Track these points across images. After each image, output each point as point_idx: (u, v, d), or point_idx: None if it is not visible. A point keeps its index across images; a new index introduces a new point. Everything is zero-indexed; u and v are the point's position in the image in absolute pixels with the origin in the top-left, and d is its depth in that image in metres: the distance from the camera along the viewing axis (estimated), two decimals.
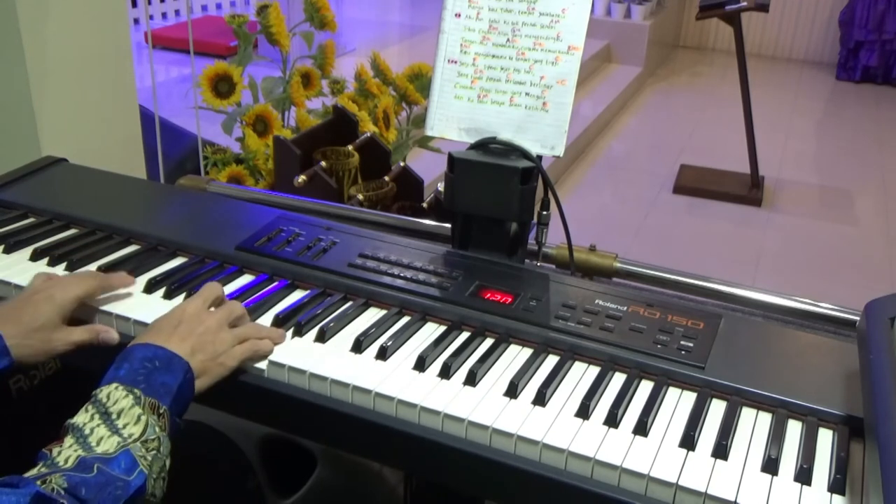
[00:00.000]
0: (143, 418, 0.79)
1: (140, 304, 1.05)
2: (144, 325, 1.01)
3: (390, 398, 0.90)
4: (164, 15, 5.67)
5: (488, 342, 1.01)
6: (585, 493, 0.82)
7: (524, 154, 1.14)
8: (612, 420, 0.87)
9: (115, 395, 0.80)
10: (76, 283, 1.00)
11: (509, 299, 1.05)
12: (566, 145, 1.15)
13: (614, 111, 5.16)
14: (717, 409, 0.91)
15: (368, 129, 2.33)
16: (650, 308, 1.05)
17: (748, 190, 4.09)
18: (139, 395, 0.81)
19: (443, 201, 1.24)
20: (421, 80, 2.57)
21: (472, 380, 0.93)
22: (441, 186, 1.60)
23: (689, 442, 0.85)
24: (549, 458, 0.84)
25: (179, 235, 1.20)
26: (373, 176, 2.13)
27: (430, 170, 2.69)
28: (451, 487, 0.94)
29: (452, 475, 0.90)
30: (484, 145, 1.17)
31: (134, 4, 4.72)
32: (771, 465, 0.82)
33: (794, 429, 0.89)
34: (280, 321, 1.02)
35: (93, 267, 1.13)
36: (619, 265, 1.27)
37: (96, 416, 0.78)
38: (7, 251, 1.17)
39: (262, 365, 0.96)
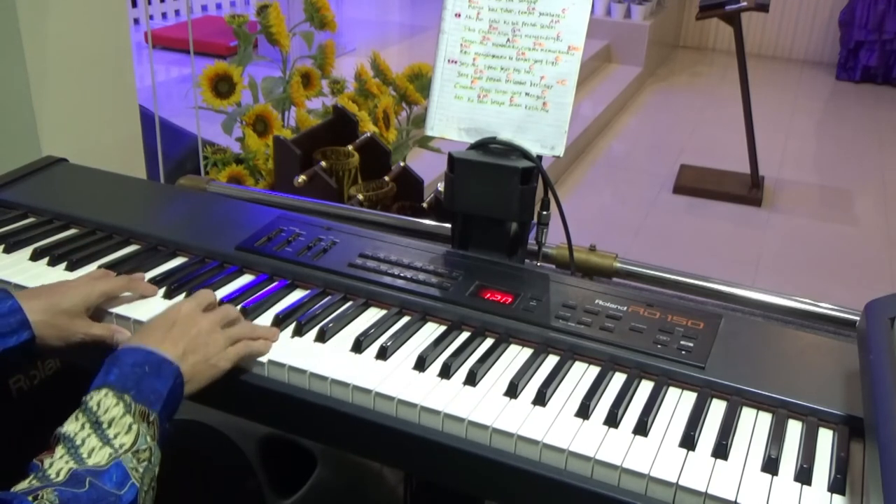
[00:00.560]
0: (135, 427, 0.78)
1: (140, 304, 1.05)
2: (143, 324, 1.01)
3: (390, 398, 0.90)
4: (164, 15, 5.67)
5: (488, 342, 1.01)
6: (585, 493, 0.82)
7: (524, 154, 1.14)
8: (613, 420, 0.87)
9: (105, 402, 0.79)
10: (105, 279, 1.04)
11: (509, 299, 1.05)
12: (566, 145, 1.15)
13: (614, 111, 5.16)
14: (717, 409, 0.91)
15: (368, 129, 2.33)
16: (650, 308, 1.05)
17: (748, 190, 4.09)
18: (129, 401, 0.80)
19: (443, 201, 1.24)
20: (421, 80, 2.57)
21: (472, 380, 0.93)
22: (441, 186, 1.60)
23: (689, 442, 0.85)
24: (549, 457, 0.84)
25: (179, 235, 1.20)
26: (373, 176, 2.13)
27: (430, 170, 2.69)
28: (451, 487, 0.94)
29: (452, 475, 0.90)
30: (484, 145, 1.17)
31: (134, 4, 4.72)
32: (771, 465, 0.82)
33: (794, 429, 0.89)
34: (280, 321, 1.02)
35: (93, 267, 1.13)
36: (619, 265, 1.26)
37: (87, 426, 0.77)
38: (7, 251, 1.17)
39: (263, 365, 0.96)
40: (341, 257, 1.14)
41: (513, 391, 0.91)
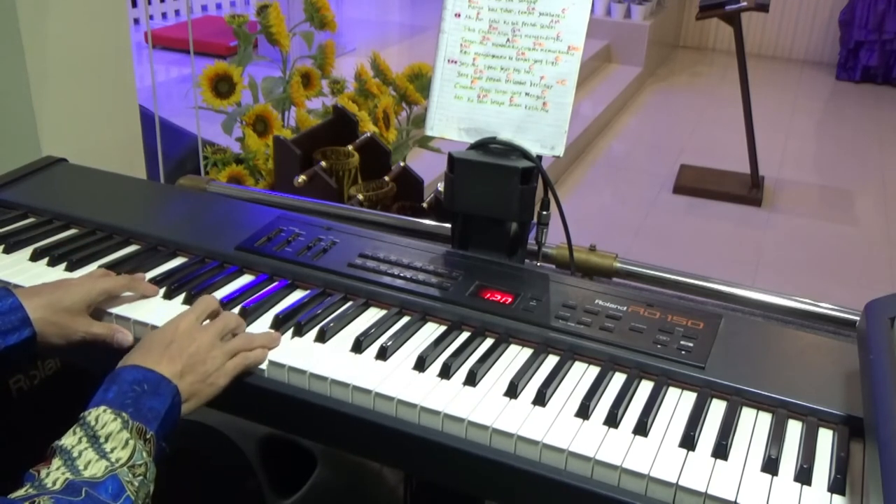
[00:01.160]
0: (131, 443, 0.79)
1: (140, 305, 1.05)
2: (143, 325, 1.01)
3: (390, 398, 0.90)
4: (164, 15, 5.67)
5: (488, 342, 1.01)
6: (585, 493, 0.82)
7: (524, 154, 1.14)
8: (612, 420, 0.87)
9: (103, 418, 0.79)
10: (105, 278, 1.04)
11: (509, 299, 1.05)
12: (566, 145, 1.15)
13: (614, 111, 5.16)
14: (717, 409, 0.91)
15: (368, 129, 2.33)
16: (650, 308, 1.05)
17: (748, 190, 4.09)
18: (127, 419, 0.80)
19: (443, 201, 1.24)
20: (421, 80, 2.57)
21: (472, 380, 0.93)
22: (441, 186, 1.60)
23: (689, 442, 0.85)
24: (549, 458, 0.84)
25: (179, 235, 1.20)
26: (373, 176, 2.13)
27: (430, 170, 2.69)
28: (451, 487, 0.94)
29: (452, 475, 0.90)
30: (484, 145, 1.17)
31: (134, 4, 4.72)
32: (771, 465, 0.82)
33: (794, 429, 0.89)
34: (280, 321, 1.02)
35: (93, 267, 1.13)
36: (619, 265, 1.26)
37: (84, 440, 0.78)
38: (7, 251, 1.17)
39: (263, 365, 0.96)
40: (341, 257, 1.14)
41: (513, 391, 0.91)
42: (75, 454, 0.76)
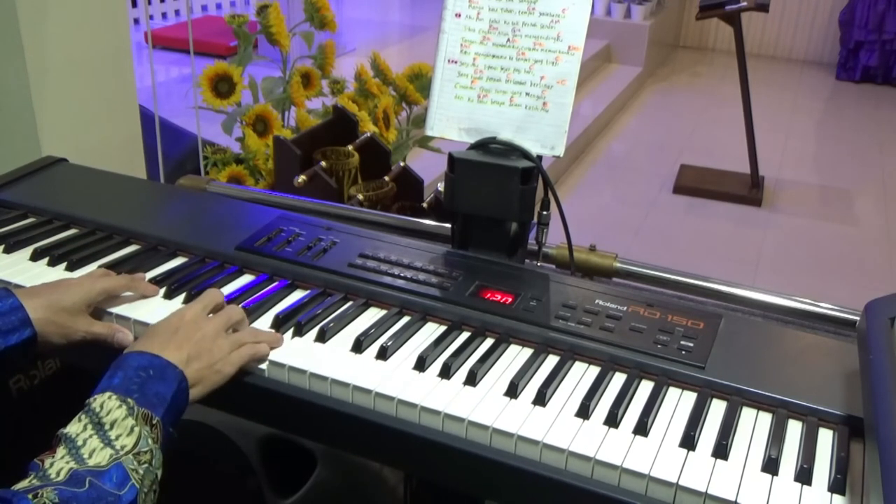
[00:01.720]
0: (136, 430, 0.78)
1: (140, 304, 1.05)
2: (144, 324, 1.01)
3: (390, 398, 0.90)
4: (164, 15, 5.67)
5: (488, 342, 1.01)
6: (585, 493, 0.82)
7: (524, 154, 1.14)
8: (613, 420, 0.87)
9: (108, 404, 0.79)
10: (105, 277, 1.04)
11: (509, 299, 1.05)
12: (566, 145, 1.15)
13: (614, 111, 5.16)
14: (717, 409, 0.91)
15: (368, 129, 2.33)
16: (650, 308, 1.05)
17: (748, 190, 4.09)
18: (132, 405, 0.80)
19: (443, 201, 1.24)
20: (421, 80, 2.57)
21: (472, 380, 0.93)
22: (441, 186, 1.60)
23: (689, 442, 0.85)
24: (549, 458, 0.84)
25: (179, 235, 1.20)
26: (373, 176, 2.13)
27: (430, 170, 2.69)
28: (451, 487, 0.94)
29: (452, 475, 0.90)
30: (484, 145, 1.17)
31: (134, 4, 4.72)
32: (771, 465, 0.82)
33: (794, 429, 0.89)
34: (280, 321, 1.02)
35: (93, 267, 1.13)
36: (619, 265, 1.26)
37: (89, 427, 0.77)
38: (7, 251, 1.17)
39: (263, 365, 0.96)
40: (341, 257, 1.14)
41: (513, 391, 0.91)
42: (80, 442, 0.76)
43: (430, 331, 1.03)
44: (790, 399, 0.91)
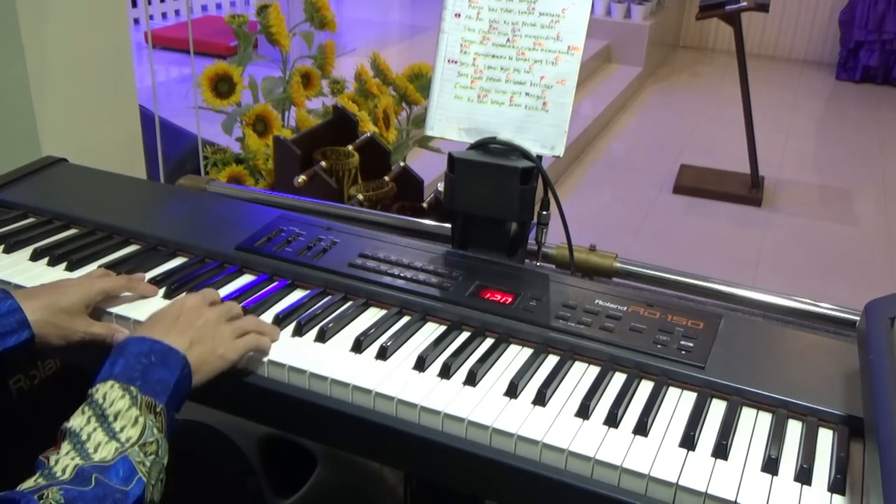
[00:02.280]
0: (141, 420, 0.78)
1: (140, 305, 1.05)
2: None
3: (390, 398, 0.90)
4: (164, 15, 5.67)
5: (488, 342, 1.01)
6: (585, 493, 0.82)
7: (524, 154, 1.14)
8: (612, 420, 0.87)
9: (111, 394, 0.79)
10: (104, 277, 1.04)
11: (509, 299, 1.05)
12: (566, 145, 1.15)
13: (614, 111, 5.16)
14: (717, 409, 0.91)
15: (368, 129, 2.32)
16: (650, 308, 1.05)
17: (748, 190, 4.09)
18: (135, 393, 0.79)
19: (443, 201, 1.24)
20: (421, 80, 2.57)
21: (472, 380, 0.93)
22: (441, 186, 1.60)
23: (689, 442, 0.85)
24: (549, 457, 0.84)
25: (179, 235, 1.20)
26: (373, 176, 2.13)
27: (430, 170, 2.69)
28: (451, 487, 0.94)
29: (452, 475, 0.90)
30: (484, 145, 1.17)
31: (134, 4, 4.72)
32: (771, 465, 0.82)
33: (794, 429, 0.89)
34: (280, 321, 1.02)
35: (93, 267, 1.13)
36: (619, 265, 1.26)
37: (93, 420, 0.77)
38: (7, 251, 1.17)
39: (263, 365, 0.96)
40: (341, 257, 1.14)
41: (513, 391, 0.91)
42: (84, 437, 0.75)
43: (430, 331, 1.03)
44: (790, 399, 0.91)
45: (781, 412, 0.90)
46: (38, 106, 1.84)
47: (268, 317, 1.03)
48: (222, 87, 2.35)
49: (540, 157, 1.15)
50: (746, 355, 0.98)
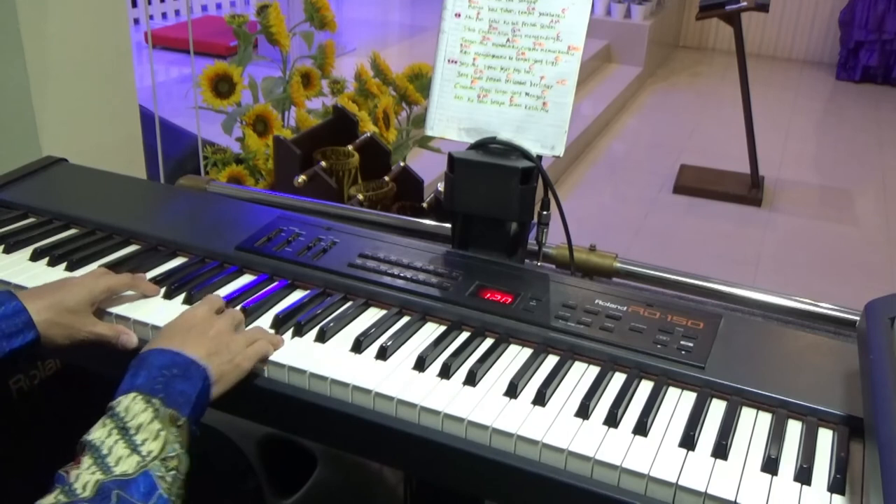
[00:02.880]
0: (163, 434, 0.77)
1: (140, 304, 1.05)
2: (143, 324, 1.01)
3: (390, 398, 0.90)
4: (164, 15, 5.67)
5: (488, 342, 1.01)
6: (585, 493, 0.82)
7: (524, 154, 1.14)
8: (612, 420, 0.87)
9: (133, 407, 0.78)
10: (108, 275, 1.03)
11: (509, 299, 1.05)
12: (566, 145, 1.15)
13: (614, 111, 5.16)
14: (717, 409, 0.91)
15: (368, 129, 2.33)
16: (650, 308, 1.05)
17: (748, 190, 4.09)
18: (158, 406, 0.78)
19: (443, 201, 1.24)
20: (421, 80, 2.57)
21: (471, 380, 0.93)
22: (441, 186, 1.60)
23: (689, 442, 0.85)
24: (548, 457, 0.84)
25: (179, 235, 1.20)
26: (373, 176, 2.13)
27: (430, 170, 2.69)
28: (451, 487, 0.94)
29: (452, 475, 0.90)
30: (484, 145, 1.17)
31: (134, 4, 4.72)
32: (771, 465, 0.82)
33: (794, 429, 0.89)
34: (280, 321, 1.02)
35: (93, 267, 1.13)
36: (619, 265, 1.26)
37: (114, 432, 0.75)
38: (7, 251, 1.17)
39: (263, 365, 0.96)
40: (341, 257, 1.14)
41: (513, 391, 0.91)
42: (105, 450, 0.74)
43: (430, 331, 1.03)
44: (790, 399, 0.91)
45: (781, 412, 0.90)
46: (38, 106, 1.84)
47: (268, 317, 1.03)
48: (222, 87, 2.35)
49: (540, 157, 1.15)
50: (746, 355, 0.98)
